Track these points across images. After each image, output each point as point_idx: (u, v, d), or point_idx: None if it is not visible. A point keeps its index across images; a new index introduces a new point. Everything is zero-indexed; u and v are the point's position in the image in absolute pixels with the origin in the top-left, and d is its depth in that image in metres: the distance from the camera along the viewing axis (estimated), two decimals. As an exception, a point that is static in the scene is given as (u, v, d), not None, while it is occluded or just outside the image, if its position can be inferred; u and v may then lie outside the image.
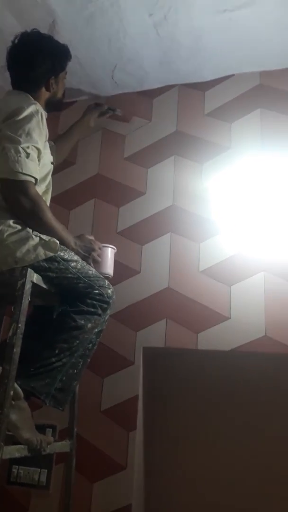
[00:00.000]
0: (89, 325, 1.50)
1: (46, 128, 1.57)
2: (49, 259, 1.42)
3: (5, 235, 1.38)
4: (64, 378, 1.48)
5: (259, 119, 2.08)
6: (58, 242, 1.45)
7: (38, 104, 1.56)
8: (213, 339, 1.83)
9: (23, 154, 1.39)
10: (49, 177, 1.65)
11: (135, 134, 2.26)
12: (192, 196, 2.06)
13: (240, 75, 2.17)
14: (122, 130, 2.29)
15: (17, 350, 1.31)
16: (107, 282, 1.59)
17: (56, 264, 1.44)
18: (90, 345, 1.57)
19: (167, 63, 2.13)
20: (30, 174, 1.41)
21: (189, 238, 2.00)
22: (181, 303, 1.91)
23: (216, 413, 2.04)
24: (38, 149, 1.46)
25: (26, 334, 1.36)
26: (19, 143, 1.40)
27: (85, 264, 1.54)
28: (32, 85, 1.63)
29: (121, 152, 2.25)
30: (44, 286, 1.46)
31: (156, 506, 1.96)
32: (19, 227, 1.41)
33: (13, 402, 1.30)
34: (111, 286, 1.59)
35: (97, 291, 1.53)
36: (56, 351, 1.45)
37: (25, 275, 1.37)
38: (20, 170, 1.38)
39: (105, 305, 1.55)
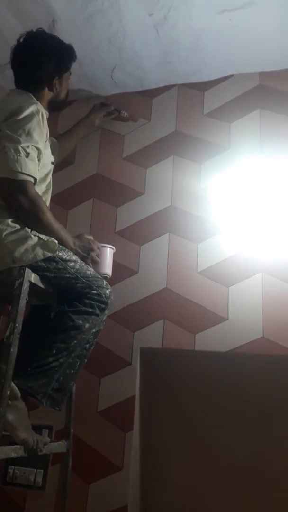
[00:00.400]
0: (87, 325, 1.50)
1: (47, 128, 1.57)
2: (47, 259, 1.41)
3: (3, 234, 1.37)
4: (61, 378, 1.47)
5: (258, 120, 2.08)
6: (56, 242, 1.44)
7: (39, 103, 1.56)
8: (210, 340, 1.83)
9: (22, 154, 1.39)
10: (49, 177, 1.64)
11: (134, 134, 2.26)
12: (191, 197, 2.06)
13: (239, 75, 2.17)
14: (121, 130, 2.28)
15: (14, 349, 1.30)
16: (105, 282, 1.58)
17: (54, 264, 1.44)
18: (88, 345, 1.57)
19: (167, 63, 2.13)
20: (29, 173, 1.40)
21: (187, 239, 1.99)
22: (179, 304, 1.91)
23: (213, 414, 2.04)
24: (38, 149, 1.46)
25: (23, 333, 1.35)
26: (19, 142, 1.40)
27: (83, 264, 1.54)
28: (35, 85, 1.63)
29: (120, 152, 2.25)
30: (41, 286, 1.46)
31: (152, 508, 1.96)
32: (18, 226, 1.41)
33: (10, 402, 1.30)
34: (109, 286, 1.59)
35: (95, 291, 1.52)
36: (54, 351, 1.44)
37: (22, 275, 1.37)
38: (20, 170, 1.38)
39: (103, 305, 1.55)
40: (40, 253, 1.40)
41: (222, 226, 1.97)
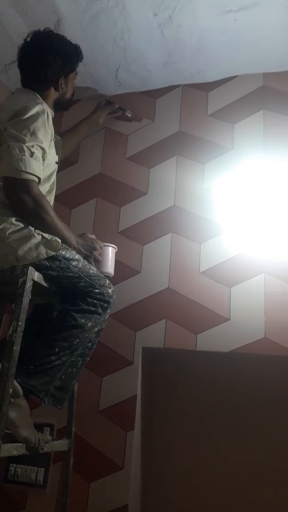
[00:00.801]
0: (89, 324, 1.51)
1: (52, 128, 1.57)
2: (50, 258, 1.42)
3: (7, 233, 1.38)
4: (63, 376, 1.48)
5: (262, 120, 2.08)
6: (60, 241, 1.45)
7: (44, 103, 1.56)
8: (212, 340, 1.83)
9: (27, 153, 1.39)
10: (54, 177, 1.64)
11: (137, 134, 2.26)
12: (194, 197, 2.06)
13: (243, 76, 2.17)
14: (125, 130, 2.29)
15: (17, 348, 1.31)
16: (107, 281, 1.59)
17: (57, 262, 1.44)
18: (90, 344, 1.57)
19: (171, 63, 2.13)
20: (33, 173, 1.40)
21: (190, 239, 2.00)
22: (181, 304, 1.91)
23: (214, 414, 2.04)
24: (42, 148, 1.46)
25: (26, 332, 1.36)
26: (23, 141, 1.40)
27: (86, 263, 1.54)
28: (41, 85, 1.63)
29: (124, 151, 2.25)
30: (45, 284, 1.46)
31: (153, 507, 1.96)
32: (21, 225, 1.41)
33: (12, 400, 1.30)
34: (111, 286, 1.59)
35: (97, 290, 1.53)
36: (56, 350, 1.45)
37: (26, 273, 1.37)
38: (24, 169, 1.38)
39: (105, 304, 1.55)
40: (43, 251, 1.40)
41: (225, 226, 1.97)
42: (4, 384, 1.26)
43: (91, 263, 1.59)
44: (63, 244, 1.47)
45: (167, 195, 2.10)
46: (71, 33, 1.89)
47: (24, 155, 1.39)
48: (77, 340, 1.48)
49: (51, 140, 1.56)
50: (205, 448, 2.00)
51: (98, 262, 1.68)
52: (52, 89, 1.66)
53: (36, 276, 1.41)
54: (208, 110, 2.19)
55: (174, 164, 2.14)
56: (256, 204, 1.96)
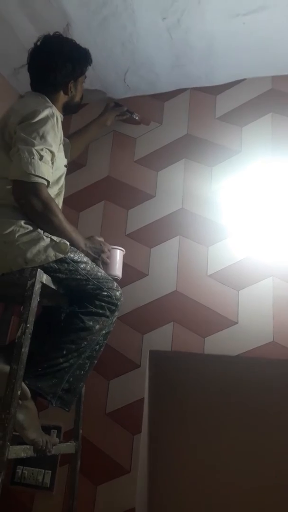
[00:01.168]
0: (97, 326, 1.51)
1: (61, 131, 1.58)
2: (59, 260, 1.42)
3: (16, 236, 1.38)
4: (71, 379, 1.48)
5: (270, 124, 2.07)
6: (68, 243, 1.45)
7: (54, 107, 1.57)
8: (220, 343, 1.82)
9: (36, 156, 1.40)
10: (62, 180, 1.65)
11: (145, 137, 2.27)
12: (202, 200, 2.06)
13: (251, 79, 2.17)
14: (133, 133, 2.29)
15: (25, 350, 1.31)
16: (115, 284, 1.59)
17: (65, 265, 1.45)
18: (97, 346, 1.57)
19: (179, 67, 2.13)
20: (42, 176, 1.41)
21: (198, 242, 1.99)
22: (189, 307, 1.91)
23: (221, 418, 2.03)
24: (52, 152, 1.47)
25: (34, 334, 1.36)
26: (33, 145, 1.41)
27: (94, 265, 1.55)
28: (50, 88, 1.64)
29: (132, 154, 2.26)
30: (53, 286, 1.47)
31: (159, 511, 1.95)
32: (30, 227, 1.42)
33: (20, 402, 1.31)
34: (119, 288, 1.60)
35: (105, 293, 1.53)
36: (64, 352, 1.45)
37: (34, 276, 1.38)
38: (33, 172, 1.39)
39: (113, 307, 1.55)
40: (52, 254, 1.41)
41: (233, 229, 1.96)
42: (13, 386, 1.26)
43: (99, 266, 1.60)
44: (72, 247, 1.47)
45: (175, 198, 2.10)
46: (80, 37, 1.90)
47: (33, 158, 1.39)
48: (85, 343, 1.49)
49: (60, 144, 1.57)
50: (213, 451, 1.99)
51: (106, 265, 1.69)
52: (62, 92, 1.67)
53: (45, 278, 1.42)
54: (216, 113, 2.19)
55: (182, 167, 2.15)
56: (264, 207, 1.95)
